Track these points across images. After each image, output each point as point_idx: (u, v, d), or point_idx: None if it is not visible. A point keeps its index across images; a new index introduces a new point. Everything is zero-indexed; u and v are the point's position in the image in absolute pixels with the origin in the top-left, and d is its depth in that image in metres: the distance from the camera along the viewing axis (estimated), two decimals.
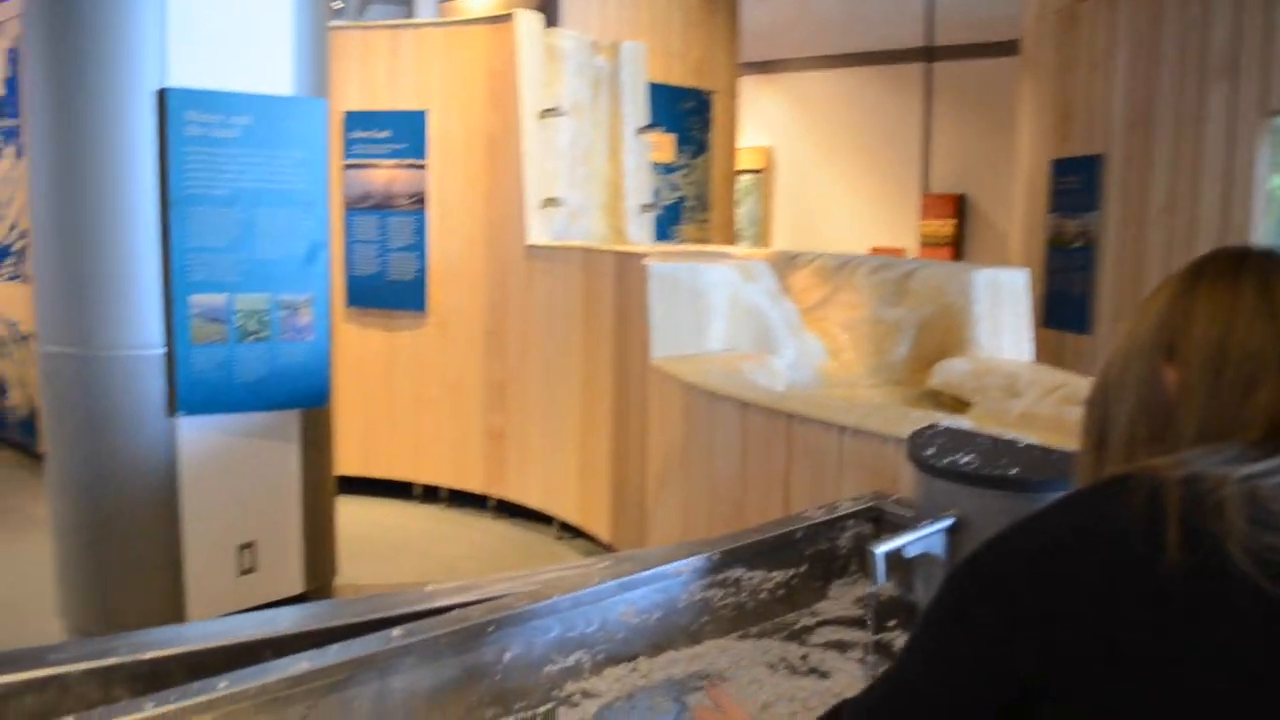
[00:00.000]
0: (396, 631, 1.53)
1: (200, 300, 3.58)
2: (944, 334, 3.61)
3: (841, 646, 1.83)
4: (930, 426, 1.82)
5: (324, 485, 4.19)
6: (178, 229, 3.52)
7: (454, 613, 1.60)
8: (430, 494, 5.68)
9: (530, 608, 1.62)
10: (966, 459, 1.62)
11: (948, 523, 1.59)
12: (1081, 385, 2.94)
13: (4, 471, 6.46)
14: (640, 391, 3.94)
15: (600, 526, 4.69)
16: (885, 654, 1.78)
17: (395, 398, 5.59)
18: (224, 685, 1.38)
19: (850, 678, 1.71)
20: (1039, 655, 0.83)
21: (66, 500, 3.70)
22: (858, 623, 1.92)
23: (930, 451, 1.66)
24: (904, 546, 1.54)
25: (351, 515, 5.22)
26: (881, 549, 1.49)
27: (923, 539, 1.56)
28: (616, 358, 4.27)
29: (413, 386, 5.56)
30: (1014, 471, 1.57)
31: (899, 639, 1.83)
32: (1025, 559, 0.86)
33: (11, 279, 6.58)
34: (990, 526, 1.59)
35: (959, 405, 3.21)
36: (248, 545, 3.91)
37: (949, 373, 3.37)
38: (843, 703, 1.03)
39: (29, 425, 6.35)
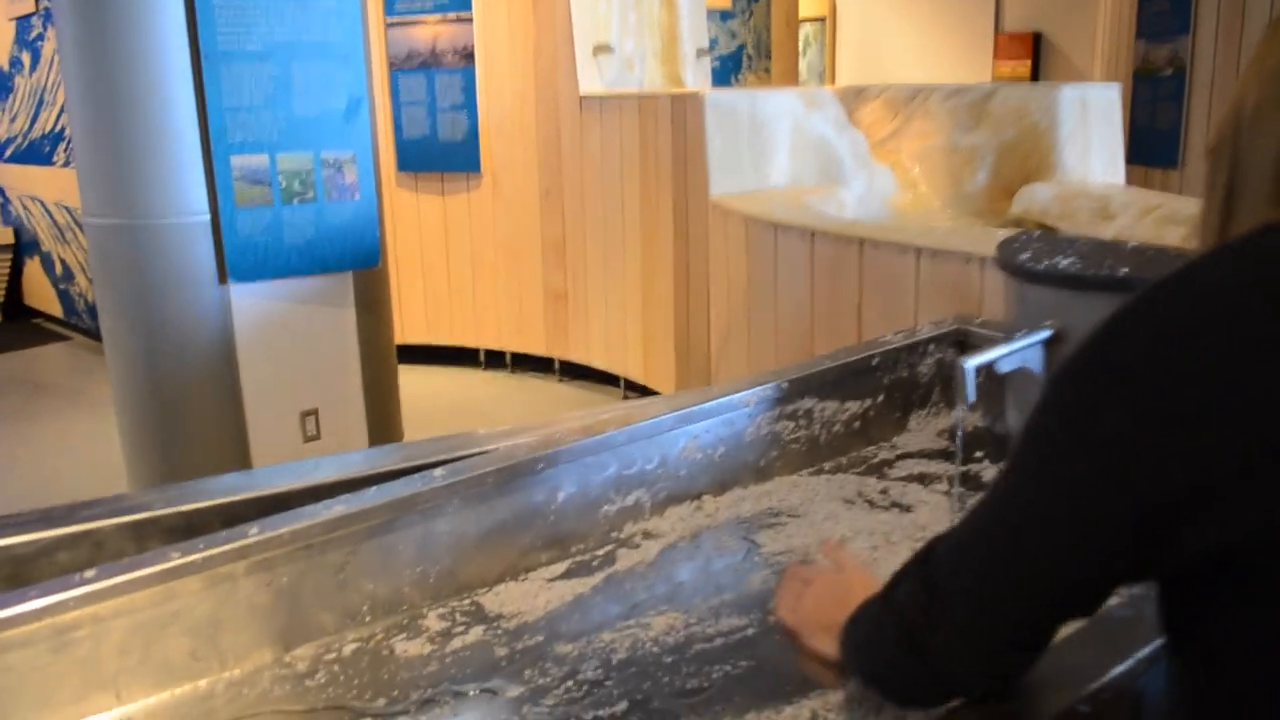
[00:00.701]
0: (439, 472, 1.42)
1: (242, 162, 3.45)
2: (1026, 159, 3.34)
3: (924, 479, 1.68)
4: (1023, 233, 1.63)
5: (384, 350, 4.11)
6: (212, 87, 3.37)
7: (501, 450, 1.47)
8: (494, 359, 5.60)
9: (584, 443, 1.49)
10: (1067, 262, 1.43)
11: (1045, 334, 1.41)
12: (1182, 205, 2.70)
13: (73, 355, 6.53)
14: (702, 240, 3.76)
15: (666, 383, 4.57)
16: (974, 485, 1.63)
17: (453, 262, 5.47)
18: (255, 532, 1.28)
19: (935, 511, 1.56)
20: (1202, 460, 0.66)
21: (125, 376, 3.67)
22: (941, 455, 1.77)
23: (1025, 257, 1.48)
24: (998, 360, 1.37)
25: (415, 383, 5.17)
26: (973, 362, 1.32)
27: (1018, 352, 1.38)
28: (677, 209, 4.07)
29: (470, 250, 5.43)
30: (1123, 272, 1.38)
31: (988, 470, 1.68)
32: (1178, 331, 0.67)
33: (67, 165, 6.54)
34: None
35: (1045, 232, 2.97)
36: (310, 412, 3.86)
37: (1033, 198, 3.13)
38: (934, 540, 0.90)
39: (95, 310, 6.39)
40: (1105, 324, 0.72)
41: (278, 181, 3.49)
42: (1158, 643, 0.97)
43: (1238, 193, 0.79)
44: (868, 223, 2.52)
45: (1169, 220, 2.61)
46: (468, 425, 4.81)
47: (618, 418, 1.57)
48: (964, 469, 1.69)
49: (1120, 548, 0.71)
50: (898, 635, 0.89)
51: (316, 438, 3.89)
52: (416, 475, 1.41)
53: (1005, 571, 0.79)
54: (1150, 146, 5.59)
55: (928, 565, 0.88)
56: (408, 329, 5.44)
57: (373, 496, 1.36)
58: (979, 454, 1.72)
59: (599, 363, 5.14)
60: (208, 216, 3.46)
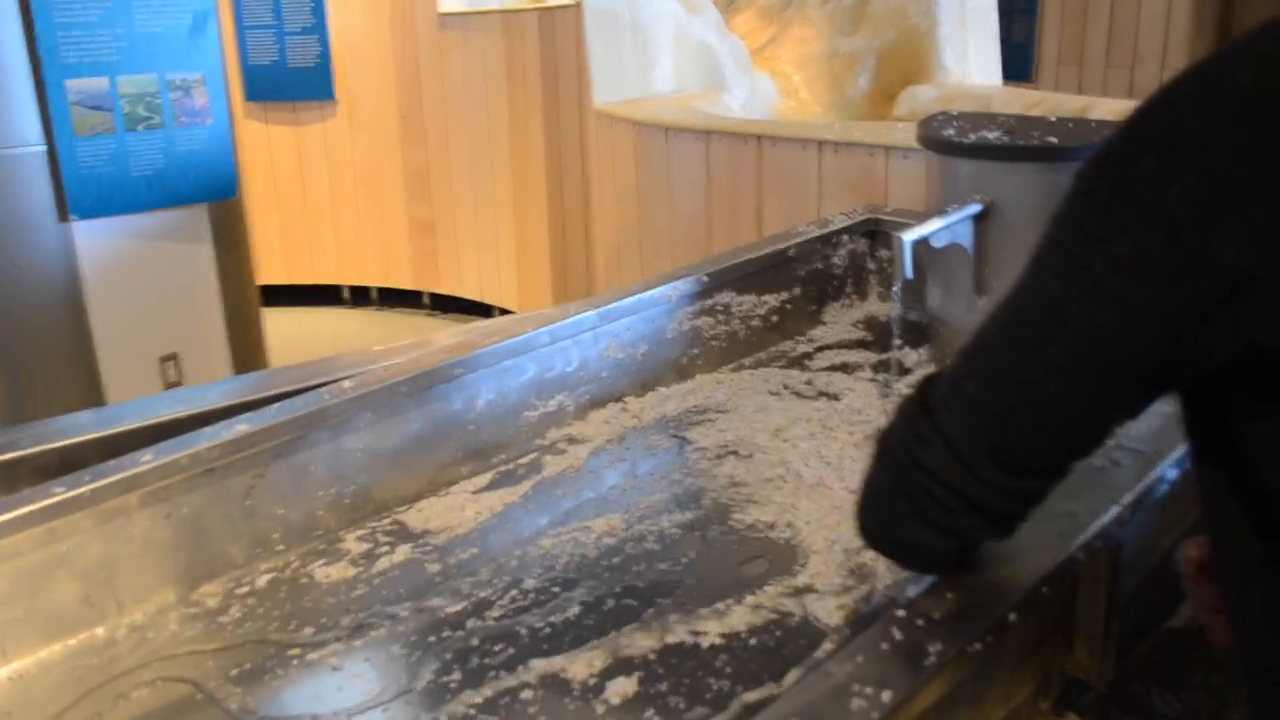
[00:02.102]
0: (347, 384, 1.30)
1: (78, 85, 3.16)
2: (907, 62, 3.33)
3: (847, 368, 1.64)
4: (942, 112, 1.58)
5: (245, 288, 3.88)
6: (40, 2, 3.06)
7: (413, 357, 1.37)
8: (360, 296, 5.39)
9: (501, 346, 1.39)
10: (994, 135, 1.39)
11: (976, 208, 1.37)
12: (1063, 99, 2.73)
13: None
14: (578, 157, 3.65)
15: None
16: (899, 370, 1.60)
17: (310, 196, 5.21)
18: (149, 459, 1.15)
19: (864, 397, 1.53)
20: (1258, 241, 0.58)
21: None
22: (859, 345, 1.73)
23: (950, 132, 1.43)
24: (932, 234, 1.32)
25: (278, 325, 4.93)
26: (909, 236, 1.27)
27: (950, 226, 1.34)
28: (548, 128, 3.94)
29: (328, 182, 5.18)
30: (1051, 141, 1.34)
31: (909, 356, 1.65)
32: (1239, 101, 0.60)
33: None
34: (1025, 207, 1.39)
35: None
36: (170, 357, 3.62)
37: (915, 100, 3.13)
38: (929, 375, 0.81)
39: None
40: (1142, 107, 0.65)
41: (120, 106, 3.22)
42: (1138, 490, 0.95)
43: None
44: (764, 120, 2.47)
45: (1053, 113, 2.63)
46: None
47: (534, 319, 1.48)
48: (884, 356, 1.66)
49: (1163, 343, 0.64)
50: (884, 458, 0.81)
51: (178, 383, 3.66)
52: (323, 389, 1.30)
53: (1017, 371, 0.69)
54: (1005, 59, 5.70)
55: (926, 382, 0.80)
56: (265, 269, 5.16)
57: (277, 413, 1.24)
58: (897, 342, 1.69)
59: (471, 293, 5.00)
60: (43, 147, 3.17)
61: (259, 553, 1.23)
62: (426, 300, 5.24)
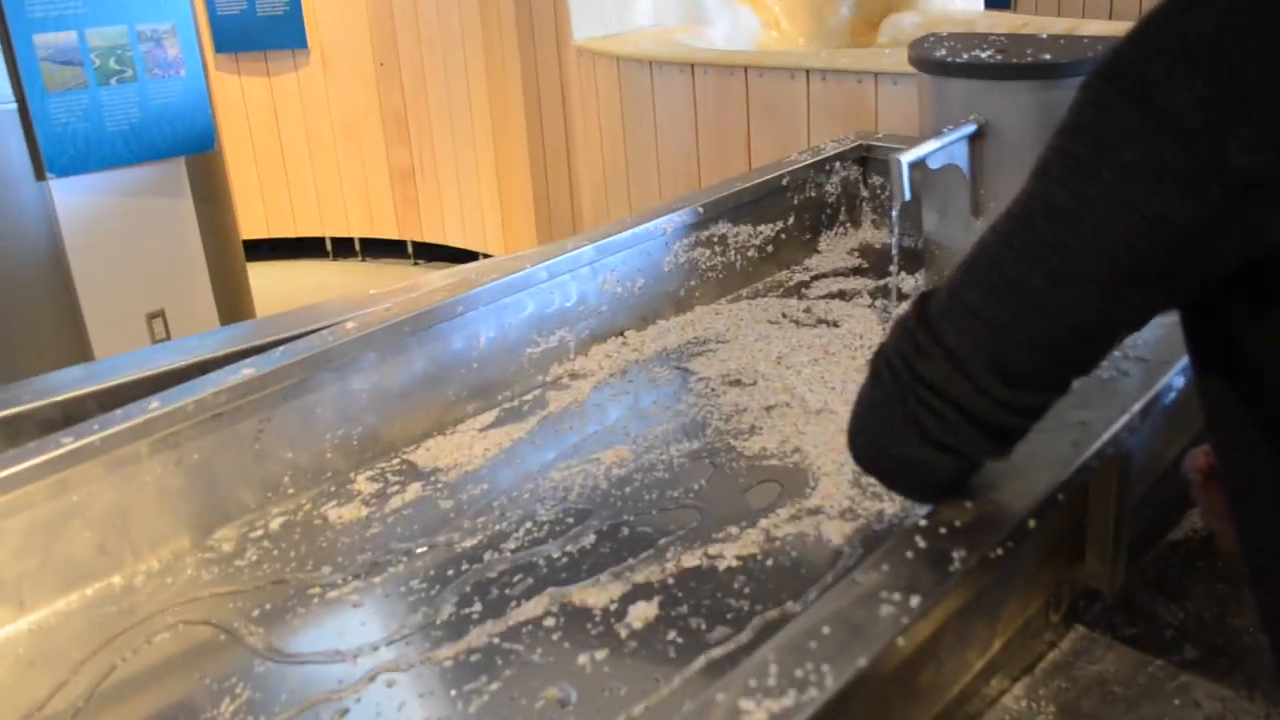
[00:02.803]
0: (350, 324, 1.30)
1: (47, 40, 3.10)
2: None
3: (844, 295, 1.65)
4: (933, 34, 1.57)
5: (229, 242, 3.85)
6: None
7: (414, 297, 1.36)
8: (343, 248, 5.34)
9: (500, 282, 1.39)
10: (986, 54, 1.38)
11: (971, 129, 1.37)
12: (1046, 22, 2.71)
13: None
14: (558, 95, 3.60)
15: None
16: (897, 297, 1.61)
17: (288, 148, 5.14)
18: (156, 406, 1.14)
19: (863, 323, 1.53)
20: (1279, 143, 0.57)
21: None
22: (855, 272, 1.74)
23: (942, 53, 1.42)
24: (928, 155, 1.32)
25: (262, 280, 4.89)
26: (907, 157, 1.27)
27: (947, 147, 1.34)
28: (525, 67, 3.89)
29: (305, 133, 5.10)
30: (1045, 58, 1.34)
31: (906, 282, 1.66)
32: (1238, 1, 0.59)
33: None
34: (1019, 127, 1.38)
35: None
36: (157, 314, 3.60)
37: (897, 28, 3.10)
38: (926, 290, 0.79)
39: None
40: (1151, 12, 0.64)
41: (90, 60, 3.16)
42: (1146, 398, 0.96)
43: None
44: (750, 51, 2.44)
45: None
46: None
47: (531, 256, 1.48)
48: (881, 282, 1.67)
49: (1174, 249, 0.63)
50: (881, 374, 0.77)
51: (167, 339, 3.64)
52: (325, 330, 1.29)
53: (1024, 280, 0.67)
54: None
55: (924, 296, 0.77)
56: (246, 224, 5.11)
57: (282, 356, 1.24)
58: (892, 267, 1.70)
59: (455, 240, 4.96)
60: (14, 105, 3.11)
61: (270, 496, 1.23)
62: (410, 250, 5.20)
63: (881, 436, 0.79)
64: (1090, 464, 0.86)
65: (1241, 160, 0.58)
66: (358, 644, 0.99)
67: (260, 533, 1.18)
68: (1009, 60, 1.35)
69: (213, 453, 1.18)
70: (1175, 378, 0.99)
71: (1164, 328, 1.09)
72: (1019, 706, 1.01)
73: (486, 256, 4.85)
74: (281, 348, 1.25)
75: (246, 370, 1.20)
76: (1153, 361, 1.01)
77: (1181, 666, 1.15)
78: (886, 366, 0.77)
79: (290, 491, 1.24)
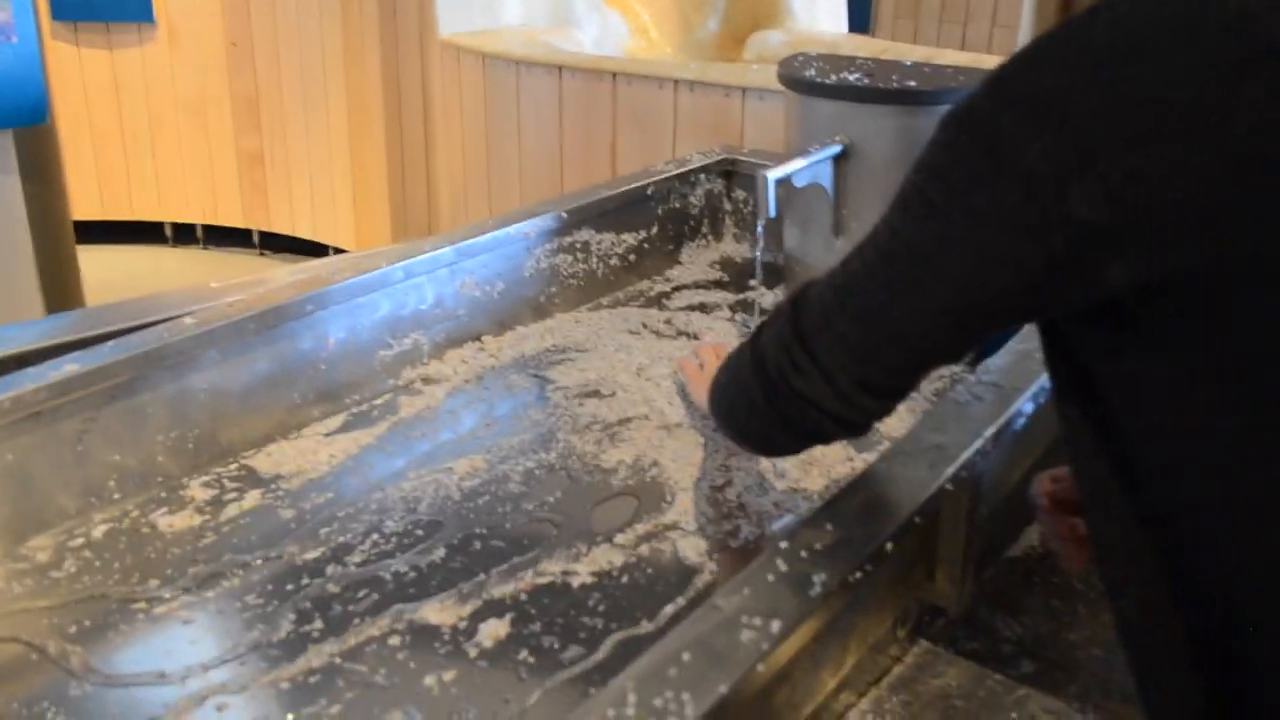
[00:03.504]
0: (189, 320, 1.22)
1: None
2: (756, 5, 3.32)
3: (705, 308, 1.65)
4: (801, 54, 1.59)
5: (59, 224, 3.62)
6: None
7: (260, 292, 1.29)
8: (184, 234, 5.10)
9: (354, 281, 1.33)
10: (854, 77, 1.40)
11: (836, 149, 1.38)
12: (906, 49, 2.78)
13: None
14: (419, 89, 3.52)
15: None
16: (754, 311, 1.61)
17: (128, 126, 4.88)
18: None
19: (723, 337, 1.53)
20: (1133, 191, 0.60)
21: None
22: (716, 285, 1.74)
23: (811, 73, 1.43)
24: (794, 173, 1.32)
25: (94, 264, 4.63)
26: (774, 175, 1.27)
27: (812, 165, 1.35)
28: (386, 59, 3.79)
29: (147, 111, 4.85)
30: (911, 84, 1.36)
31: (766, 297, 1.67)
32: (1089, 59, 0.61)
33: None
34: (883, 149, 1.41)
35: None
36: None
37: (765, 45, 3.14)
38: (805, 284, 0.84)
39: None
40: (1005, 64, 0.66)
41: None
42: (999, 423, 0.98)
43: None
44: (619, 57, 2.42)
45: None
46: None
47: (386, 255, 1.42)
48: (742, 296, 1.68)
49: (1019, 289, 0.67)
50: (759, 377, 0.85)
51: None
52: (161, 325, 1.21)
53: (885, 312, 0.73)
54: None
55: (797, 308, 0.82)
56: (79, 204, 4.83)
57: (111, 351, 1.15)
58: (752, 282, 1.71)
59: (305, 232, 4.80)
60: None
61: (94, 502, 1.15)
62: (256, 239, 5.00)
63: (761, 429, 0.89)
64: (945, 486, 0.87)
65: (1083, 210, 0.61)
66: (186, 664, 0.93)
67: (81, 541, 1.10)
68: (875, 84, 1.37)
69: (28, 454, 1.09)
70: (1025, 403, 1.02)
71: (1017, 355, 1.12)
72: None
73: (337, 250, 4.71)
74: (111, 342, 1.17)
75: (70, 366, 1.11)
76: (1005, 387, 1.03)
77: (1019, 680, 1.19)
78: (765, 375, 0.84)
79: (116, 497, 1.16)
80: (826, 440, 0.89)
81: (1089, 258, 0.63)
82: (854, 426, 0.83)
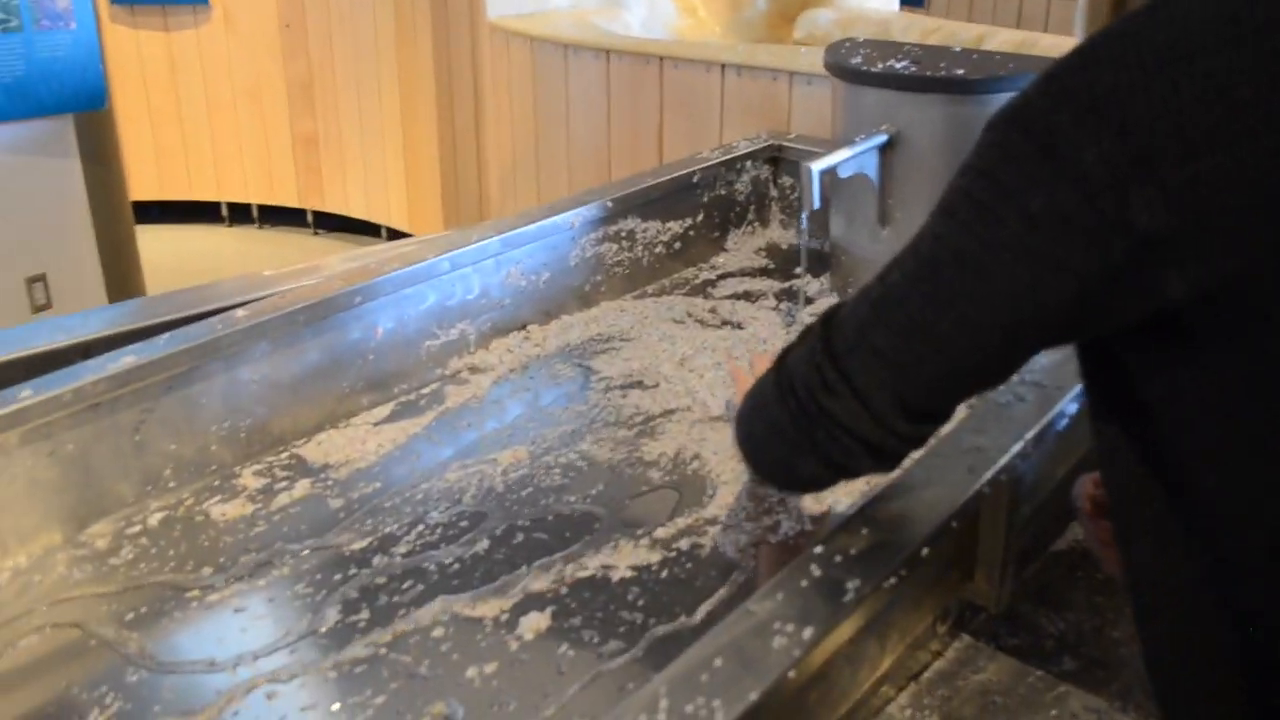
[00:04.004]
0: (241, 312, 1.25)
1: None
2: None
3: (749, 297, 1.64)
4: (848, 40, 1.57)
5: (118, 205, 3.69)
6: None
7: (310, 285, 1.32)
8: (240, 213, 5.18)
9: (401, 273, 1.35)
10: (901, 65, 1.39)
11: (882, 139, 1.37)
12: (959, 28, 2.74)
13: None
14: (469, 72, 3.54)
15: (434, 229, 4.37)
16: (802, 300, 1.61)
17: (185, 108, 4.95)
18: (28, 394, 1.08)
19: (768, 326, 1.53)
20: (1184, 201, 0.57)
21: None
22: (762, 273, 1.74)
23: (858, 60, 1.42)
24: (839, 164, 1.32)
25: (152, 244, 4.72)
26: (818, 166, 1.27)
27: (858, 156, 1.34)
28: (437, 41, 3.81)
29: (204, 93, 4.93)
30: (959, 73, 1.35)
31: (812, 285, 1.66)
32: (1149, 58, 0.58)
33: None
34: (929, 138, 1.39)
35: None
36: (38, 278, 3.44)
37: (815, 24, 3.11)
38: (833, 307, 0.79)
39: None
40: (1060, 61, 0.63)
41: None
42: (1040, 424, 0.98)
43: None
44: (666, 40, 2.42)
45: (948, 42, 2.64)
46: None
47: (433, 245, 1.44)
48: (787, 284, 1.67)
49: (1075, 300, 0.63)
50: (786, 400, 0.79)
51: (48, 306, 3.48)
52: (215, 317, 1.24)
53: (930, 324, 0.68)
54: None
55: (827, 326, 0.77)
56: (138, 184, 4.91)
57: (167, 344, 1.18)
58: (798, 269, 1.70)
59: (358, 211, 4.85)
60: None
61: (150, 490, 1.18)
62: (310, 219, 5.06)
63: (784, 456, 0.82)
64: (984, 490, 0.87)
65: (1143, 219, 0.59)
66: (238, 652, 0.96)
67: (138, 529, 1.13)
68: (923, 73, 1.36)
69: (89, 444, 1.13)
70: (1069, 404, 1.01)
71: (1060, 353, 1.11)
72: (904, 716, 1.03)
73: (390, 230, 4.76)
74: (167, 335, 1.20)
75: (128, 358, 1.14)
76: (1048, 387, 1.03)
77: (1060, 677, 1.18)
78: (794, 396, 0.78)
79: (172, 485, 1.20)
80: (855, 472, 0.82)
81: (1148, 267, 0.60)
82: (885, 455, 0.77)
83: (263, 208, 5.13)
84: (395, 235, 4.79)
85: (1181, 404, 0.65)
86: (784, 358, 0.82)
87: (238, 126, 4.96)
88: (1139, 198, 0.58)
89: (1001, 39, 2.48)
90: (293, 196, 5.02)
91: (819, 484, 0.88)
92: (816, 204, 1.28)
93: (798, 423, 0.78)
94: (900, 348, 0.70)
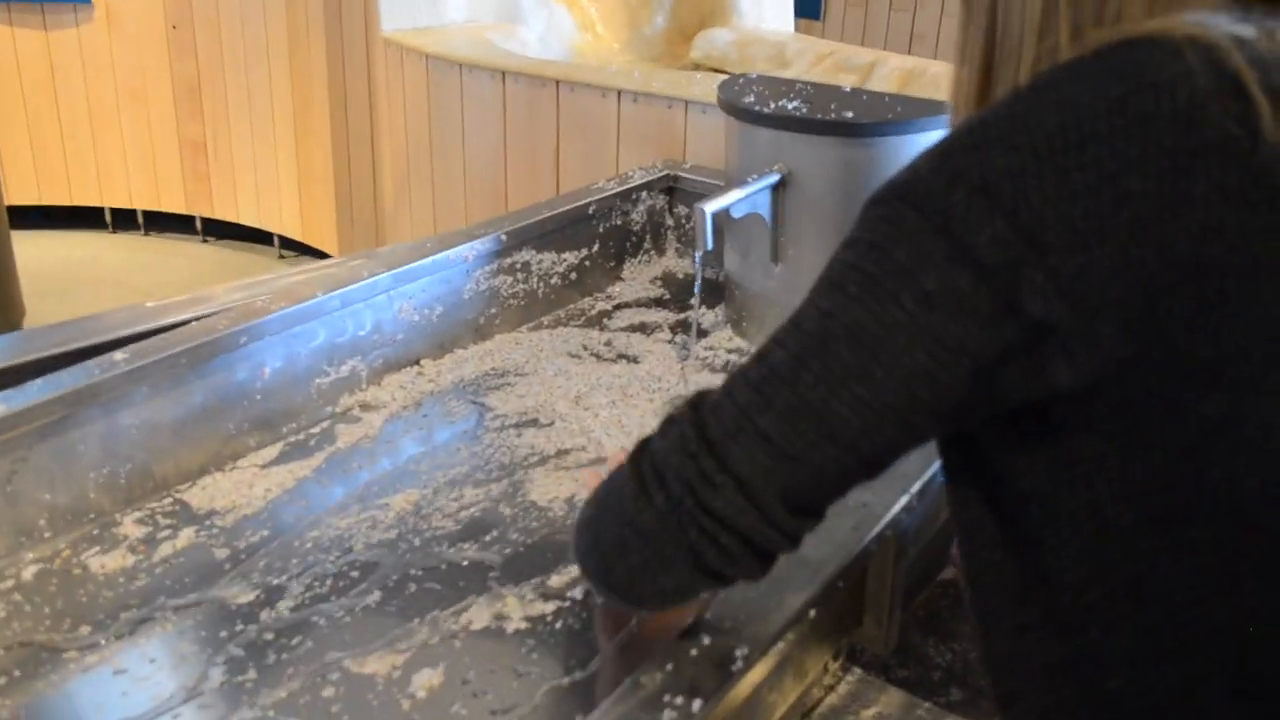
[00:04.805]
0: (120, 355, 1.21)
1: None
2: (702, 2, 3.33)
3: (645, 329, 1.65)
4: (741, 76, 1.59)
5: None
6: None
7: (193, 325, 1.28)
8: (124, 219, 5.01)
9: (290, 311, 1.33)
10: (793, 105, 1.41)
11: (774, 178, 1.39)
12: (853, 52, 2.80)
13: None
14: (364, 78, 3.48)
15: (327, 240, 4.29)
16: (696, 333, 1.63)
17: (65, 109, 4.77)
18: None
19: (663, 360, 1.54)
20: (1070, 289, 0.57)
21: None
22: (656, 303, 1.75)
23: (750, 100, 1.44)
24: (732, 205, 1.34)
25: (33, 250, 4.55)
26: (710, 207, 1.28)
27: (750, 196, 1.36)
28: (331, 50, 3.74)
29: (85, 94, 4.75)
30: (848, 115, 1.38)
31: (705, 316, 1.68)
32: (1041, 142, 0.58)
33: None
34: (821, 178, 1.42)
35: (722, 76, 2.97)
36: None
37: (712, 44, 3.14)
38: (699, 394, 0.73)
39: None
40: (951, 141, 0.62)
41: None
42: (924, 479, 1.00)
43: (1000, 46, 0.70)
44: (562, 63, 2.41)
45: (841, 67, 2.70)
46: (104, 296, 4.34)
47: (321, 280, 1.41)
48: (682, 315, 1.69)
49: (969, 384, 0.61)
50: (650, 497, 0.71)
51: None
52: (92, 361, 1.20)
53: (823, 406, 0.64)
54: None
55: (698, 411, 0.70)
56: (14, 188, 4.73)
57: (40, 390, 1.14)
58: (693, 300, 1.72)
59: (249, 219, 4.73)
60: None
61: (24, 541, 1.14)
62: (199, 226, 4.93)
63: (645, 564, 0.73)
64: (870, 547, 0.89)
65: (1035, 306, 0.58)
66: (119, 717, 0.93)
67: (11, 582, 1.09)
68: (814, 114, 1.38)
69: None
70: None
71: None
72: None
73: (282, 238, 4.65)
74: (40, 380, 1.15)
75: None
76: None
77: (948, 708, 1.22)
78: (661, 491, 0.70)
79: (47, 536, 1.15)
80: (727, 578, 0.73)
81: (1038, 354, 0.60)
82: (764, 555, 0.71)
83: (148, 214, 4.97)
84: (287, 244, 4.69)
85: (1044, 492, 0.65)
86: (641, 450, 0.74)
87: (121, 129, 4.80)
88: (1030, 284, 0.58)
89: (894, 64, 2.54)
90: (180, 203, 4.88)
91: (682, 595, 0.75)
92: (709, 245, 1.29)
93: (665, 522, 0.70)
94: (788, 432, 0.65)
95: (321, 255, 4.50)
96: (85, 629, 1.03)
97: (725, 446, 0.67)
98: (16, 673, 0.97)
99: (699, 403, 0.71)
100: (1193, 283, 0.57)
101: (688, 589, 0.74)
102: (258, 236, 4.79)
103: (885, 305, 0.62)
